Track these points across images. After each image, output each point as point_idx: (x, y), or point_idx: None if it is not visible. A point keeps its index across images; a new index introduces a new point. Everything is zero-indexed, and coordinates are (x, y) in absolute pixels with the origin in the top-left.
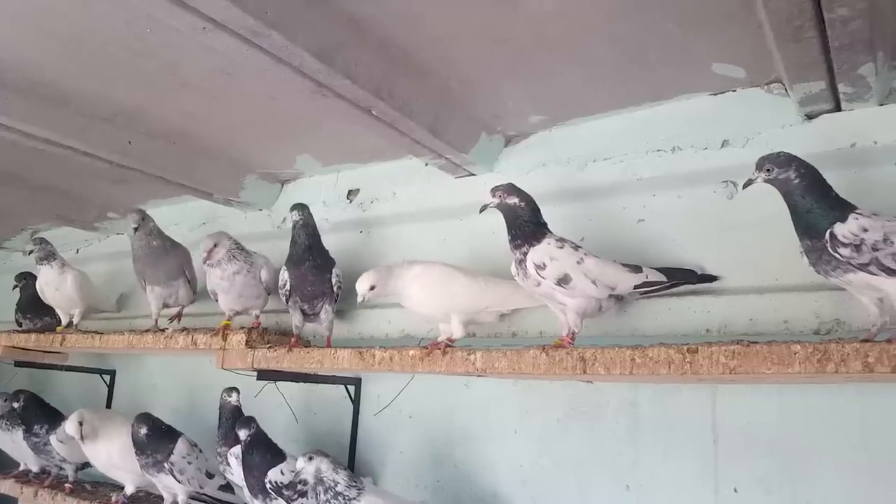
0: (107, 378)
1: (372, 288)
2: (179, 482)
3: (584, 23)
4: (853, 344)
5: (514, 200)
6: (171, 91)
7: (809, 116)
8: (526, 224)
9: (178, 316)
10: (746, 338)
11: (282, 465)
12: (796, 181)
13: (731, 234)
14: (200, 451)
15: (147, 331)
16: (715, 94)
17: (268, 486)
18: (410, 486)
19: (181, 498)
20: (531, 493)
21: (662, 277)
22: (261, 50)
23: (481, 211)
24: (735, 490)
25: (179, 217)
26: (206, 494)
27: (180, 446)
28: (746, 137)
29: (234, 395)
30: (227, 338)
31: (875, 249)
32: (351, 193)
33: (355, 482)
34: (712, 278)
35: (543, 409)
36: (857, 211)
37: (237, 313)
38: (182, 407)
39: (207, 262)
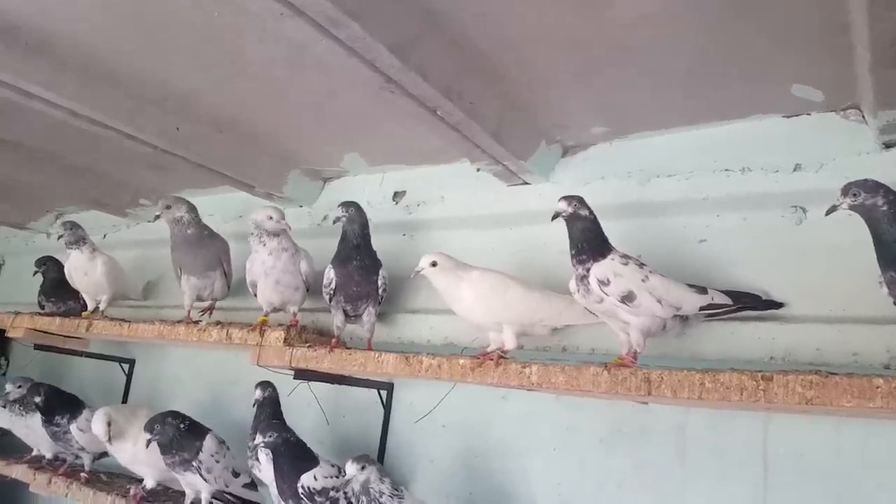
0: (126, 367)
1: (434, 265)
2: (206, 481)
3: (668, 32)
4: None
5: (585, 213)
6: (228, 78)
7: (888, 145)
8: (593, 239)
9: (211, 309)
10: (813, 367)
11: (315, 471)
12: (884, 208)
13: (798, 261)
14: (228, 448)
15: (179, 322)
16: (788, 117)
17: (300, 491)
18: (440, 497)
19: (204, 496)
20: None
21: (728, 300)
22: (335, 40)
23: (553, 219)
24: None
25: (215, 208)
26: (230, 493)
27: (209, 444)
28: (820, 163)
29: (270, 389)
30: (264, 334)
31: None
32: (397, 195)
33: (398, 491)
34: (778, 305)
35: (586, 427)
36: None
37: (275, 309)
38: (204, 401)
39: (283, 225)
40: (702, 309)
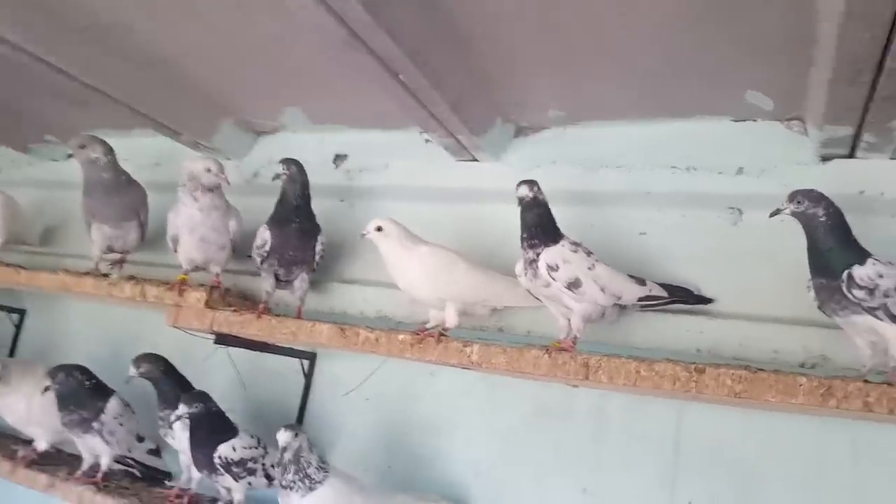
0: (15, 318)
1: (379, 229)
2: (108, 444)
3: (645, 27)
4: (856, 383)
5: (543, 198)
6: (168, 13)
7: (824, 158)
8: (546, 224)
9: (122, 262)
10: (736, 362)
11: (234, 441)
12: (823, 219)
13: (730, 260)
14: (133, 411)
15: (87, 273)
16: (736, 121)
17: (216, 461)
18: (358, 469)
19: (105, 461)
20: (485, 487)
21: (664, 293)
22: None
23: (519, 204)
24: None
25: (129, 153)
26: (132, 458)
27: (113, 405)
28: (762, 169)
29: (146, 362)
30: (183, 294)
31: (886, 296)
32: (338, 158)
33: (324, 464)
34: (707, 300)
35: (510, 407)
36: (874, 257)
37: (196, 268)
38: (104, 359)
39: (222, 179)
40: (640, 299)
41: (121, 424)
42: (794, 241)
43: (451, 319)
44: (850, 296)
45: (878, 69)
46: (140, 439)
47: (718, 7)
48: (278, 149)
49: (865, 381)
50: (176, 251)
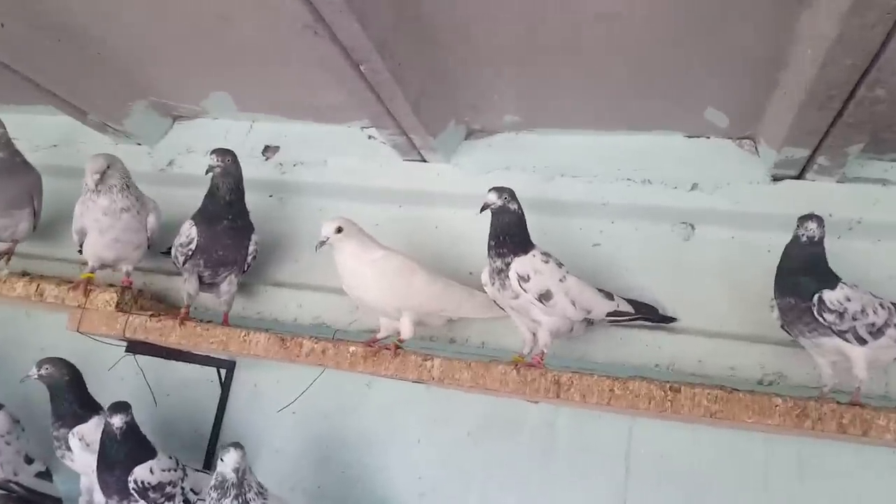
0: None
1: (339, 230)
2: None
3: (616, 37)
4: (830, 405)
5: (514, 207)
6: None
7: (775, 178)
8: (517, 234)
9: (9, 253)
10: (694, 378)
11: (151, 463)
12: (819, 242)
13: (683, 275)
14: (23, 429)
15: None
16: (689, 137)
17: (131, 485)
18: (284, 490)
19: None
20: None
21: (631, 309)
22: None
23: (482, 211)
24: None
25: (22, 131)
26: (17, 483)
27: (0, 421)
28: (715, 185)
29: (52, 366)
30: (89, 294)
31: (854, 319)
32: (268, 150)
33: (262, 489)
34: (671, 319)
35: (454, 419)
36: (843, 281)
37: (104, 265)
38: None
39: (100, 185)
40: (608, 315)
41: (8, 444)
42: (743, 258)
43: (406, 330)
44: (820, 319)
45: (850, 96)
46: (29, 461)
47: (697, 28)
48: (197, 135)
49: (838, 403)
50: (81, 246)
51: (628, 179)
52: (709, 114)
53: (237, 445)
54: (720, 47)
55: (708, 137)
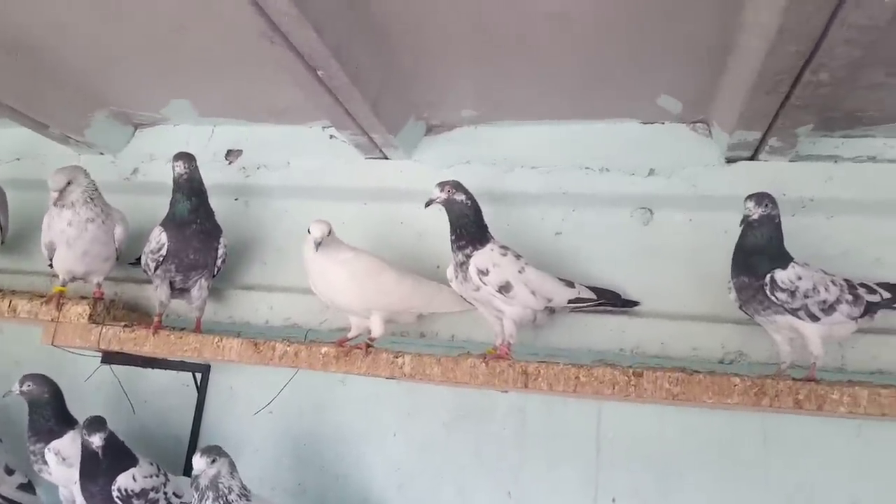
0: None
1: (329, 233)
2: None
3: (569, 32)
4: (786, 381)
5: (461, 198)
6: None
7: (729, 160)
8: (471, 225)
9: None
10: (657, 361)
11: (133, 471)
12: (776, 221)
13: (644, 259)
14: (1, 441)
15: None
16: (644, 123)
17: (115, 494)
18: (265, 489)
19: None
20: (407, 499)
21: (592, 295)
22: None
23: (427, 205)
24: (613, 500)
25: None
26: (0, 495)
27: None
28: (671, 170)
29: (33, 383)
30: (62, 308)
31: (806, 297)
32: (231, 154)
33: (246, 493)
34: (634, 304)
35: (428, 411)
36: (795, 261)
37: (74, 278)
38: None
39: (59, 202)
40: (570, 301)
41: None
42: (700, 240)
43: (377, 329)
44: (773, 297)
45: (797, 80)
46: (9, 472)
47: (645, 20)
48: (160, 143)
49: (794, 380)
50: (50, 260)
51: (586, 168)
52: (662, 100)
53: (206, 450)
54: (668, 37)
55: (662, 123)
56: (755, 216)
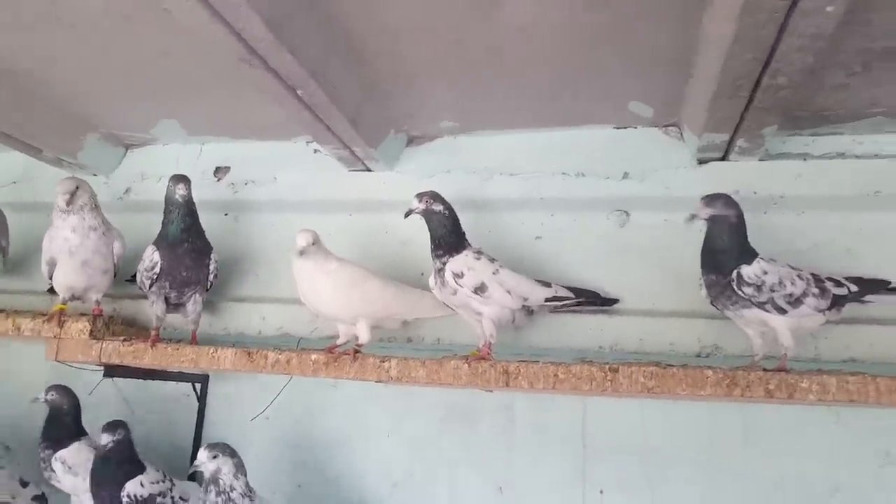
0: None
1: (314, 243)
2: None
3: (538, 45)
4: (757, 372)
5: (438, 208)
6: (36, 23)
7: (700, 161)
8: (449, 234)
9: None
10: (636, 357)
11: (141, 477)
12: (733, 221)
13: (621, 259)
14: (15, 454)
15: None
16: (618, 128)
17: (124, 500)
18: (266, 492)
19: None
20: (401, 498)
21: (570, 294)
22: (203, 3)
23: (406, 216)
24: (601, 492)
25: None
26: None
27: None
28: (644, 173)
29: (57, 393)
30: (63, 325)
31: (772, 291)
32: (219, 171)
33: (250, 493)
34: (613, 301)
35: (419, 412)
36: (760, 256)
37: (74, 297)
38: None
39: (69, 205)
40: (547, 300)
41: (1, 467)
42: (676, 239)
43: (363, 335)
44: (739, 292)
45: (756, 85)
46: (24, 484)
47: (610, 32)
48: (150, 162)
49: (765, 370)
50: (51, 279)
51: (563, 173)
52: (633, 106)
53: (211, 446)
54: (634, 48)
55: (636, 128)
56: (704, 216)
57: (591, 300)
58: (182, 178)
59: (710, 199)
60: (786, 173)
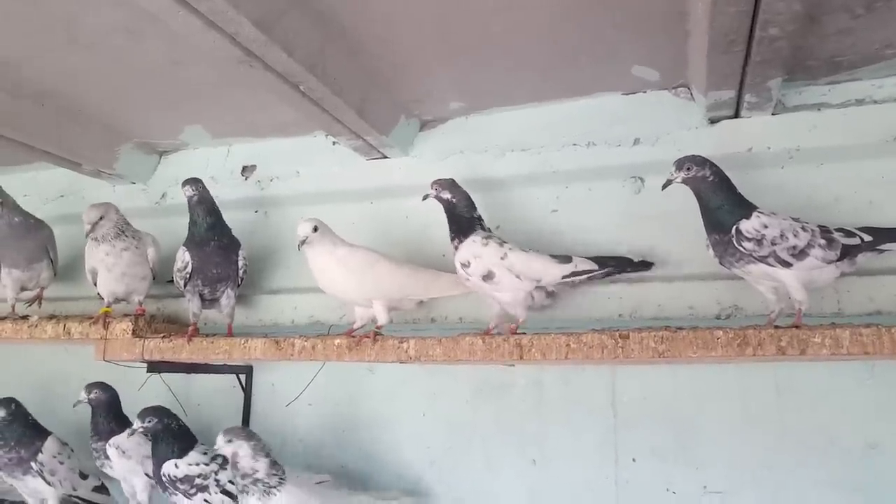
0: None
1: (315, 230)
2: (51, 484)
3: (529, 19)
4: (768, 330)
5: (447, 196)
6: (57, 47)
7: (712, 121)
8: (459, 219)
9: (39, 298)
10: (656, 322)
11: (177, 459)
12: (711, 179)
13: (638, 226)
14: (72, 450)
15: (4, 318)
16: (627, 94)
17: (164, 479)
18: (312, 472)
19: (51, 502)
20: (439, 473)
21: (594, 266)
22: (194, 12)
23: (424, 199)
24: (634, 460)
25: (31, 188)
26: (78, 497)
27: (50, 445)
28: (656, 137)
29: (97, 390)
30: (108, 326)
31: (773, 244)
32: (246, 170)
33: (276, 471)
34: (648, 265)
35: (452, 390)
36: (759, 210)
37: (118, 300)
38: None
39: (91, 235)
40: (565, 278)
41: (61, 463)
42: (691, 202)
43: (381, 317)
44: (741, 248)
45: (750, 38)
46: (84, 476)
47: None
48: (183, 166)
49: (776, 327)
50: (95, 284)
51: (574, 144)
52: (637, 70)
53: (227, 431)
54: (624, 10)
55: (644, 92)
56: (679, 180)
57: (620, 268)
58: (189, 181)
59: (679, 163)
60: (800, 126)
